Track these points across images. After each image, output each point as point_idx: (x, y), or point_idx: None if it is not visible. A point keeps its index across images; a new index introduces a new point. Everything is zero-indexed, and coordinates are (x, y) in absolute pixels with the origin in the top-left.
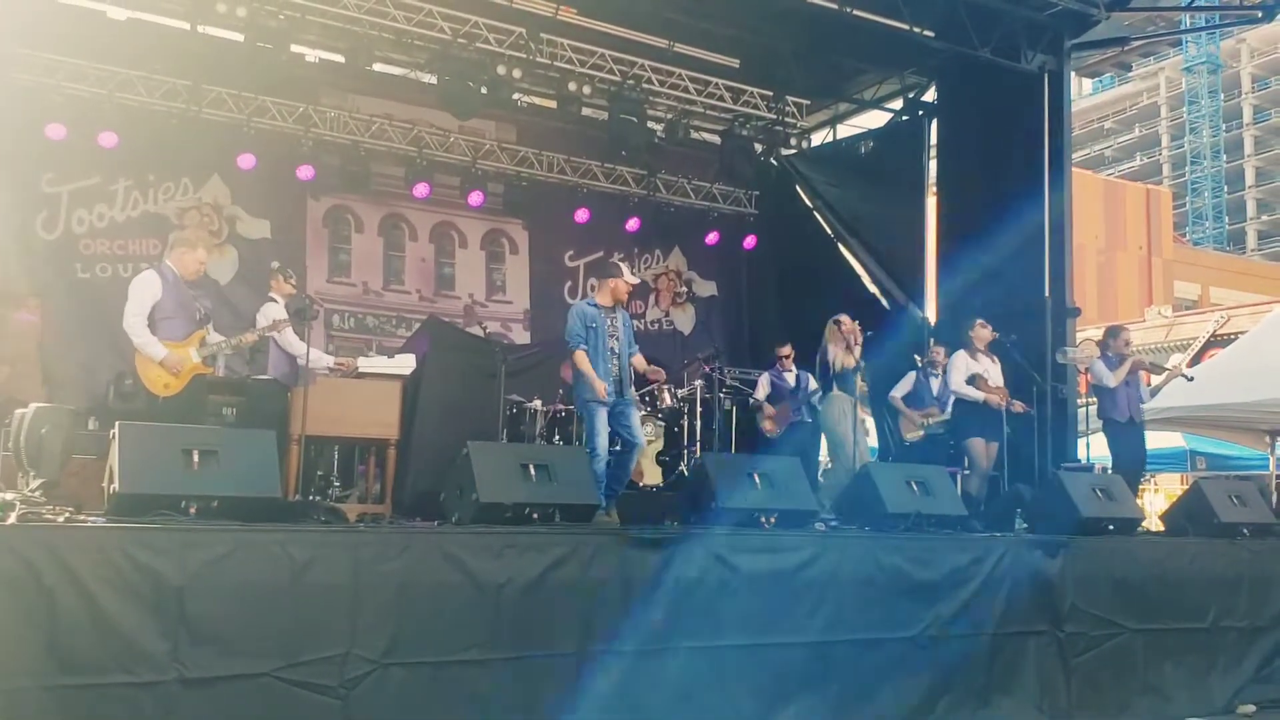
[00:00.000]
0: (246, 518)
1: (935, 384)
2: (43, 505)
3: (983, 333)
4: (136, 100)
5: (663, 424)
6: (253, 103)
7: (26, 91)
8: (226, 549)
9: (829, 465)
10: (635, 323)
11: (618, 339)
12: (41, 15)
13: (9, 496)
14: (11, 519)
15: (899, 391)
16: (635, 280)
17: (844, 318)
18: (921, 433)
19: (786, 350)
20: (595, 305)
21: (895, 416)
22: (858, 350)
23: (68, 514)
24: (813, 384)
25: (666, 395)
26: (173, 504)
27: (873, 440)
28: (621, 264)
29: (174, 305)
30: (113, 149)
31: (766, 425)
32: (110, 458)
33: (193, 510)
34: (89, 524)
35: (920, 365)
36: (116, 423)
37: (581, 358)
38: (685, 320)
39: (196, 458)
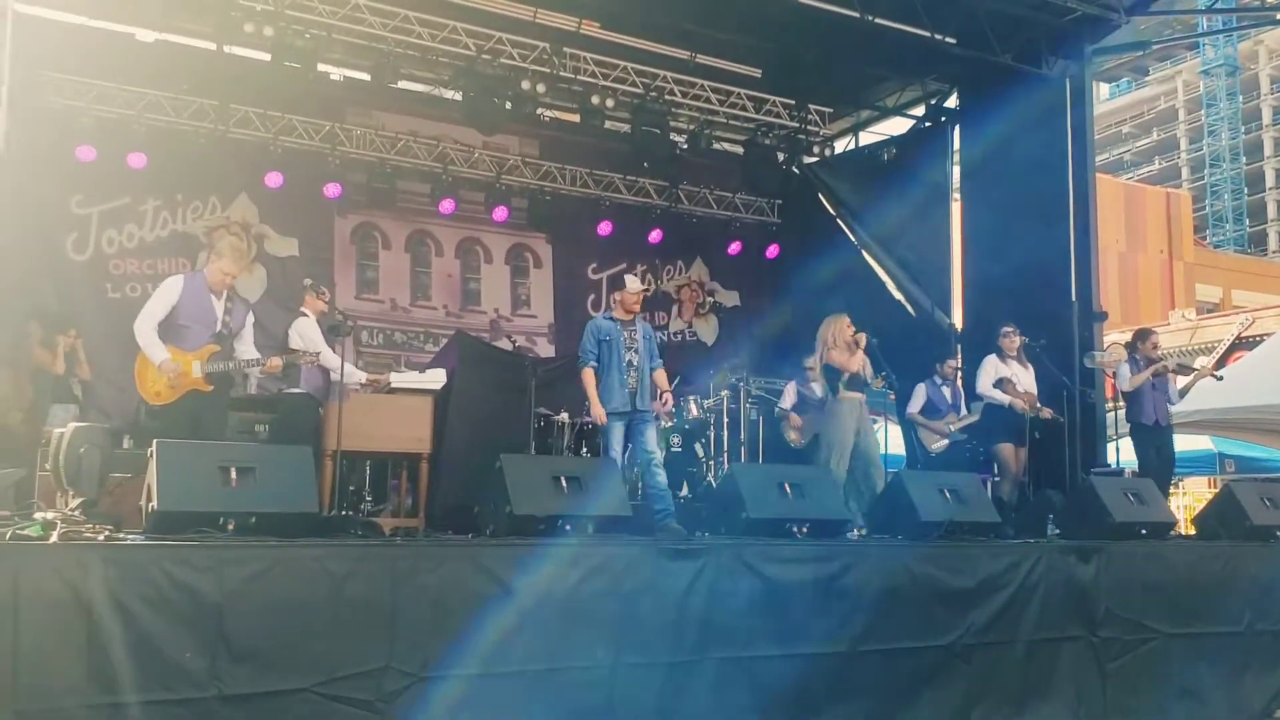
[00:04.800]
0: (284, 533)
1: (948, 392)
2: (83, 524)
3: (1011, 339)
4: (164, 121)
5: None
6: (279, 121)
7: (56, 114)
8: (264, 565)
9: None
10: (658, 334)
11: (636, 351)
12: (71, 39)
13: (49, 516)
14: (53, 538)
15: (914, 406)
16: (638, 288)
17: (840, 320)
18: (946, 442)
19: (813, 360)
20: (611, 319)
21: (917, 429)
22: (859, 357)
23: (107, 532)
24: None
25: (693, 406)
26: (211, 521)
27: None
28: (627, 275)
29: (191, 314)
30: (141, 169)
31: (791, 435)
32: (148, 476)
33: (230, 527)
34: (128, 542)
35: (931, 377)
36: (155, 441)
37: (587, 376)
38: (709, 331)
39: (234, 475)
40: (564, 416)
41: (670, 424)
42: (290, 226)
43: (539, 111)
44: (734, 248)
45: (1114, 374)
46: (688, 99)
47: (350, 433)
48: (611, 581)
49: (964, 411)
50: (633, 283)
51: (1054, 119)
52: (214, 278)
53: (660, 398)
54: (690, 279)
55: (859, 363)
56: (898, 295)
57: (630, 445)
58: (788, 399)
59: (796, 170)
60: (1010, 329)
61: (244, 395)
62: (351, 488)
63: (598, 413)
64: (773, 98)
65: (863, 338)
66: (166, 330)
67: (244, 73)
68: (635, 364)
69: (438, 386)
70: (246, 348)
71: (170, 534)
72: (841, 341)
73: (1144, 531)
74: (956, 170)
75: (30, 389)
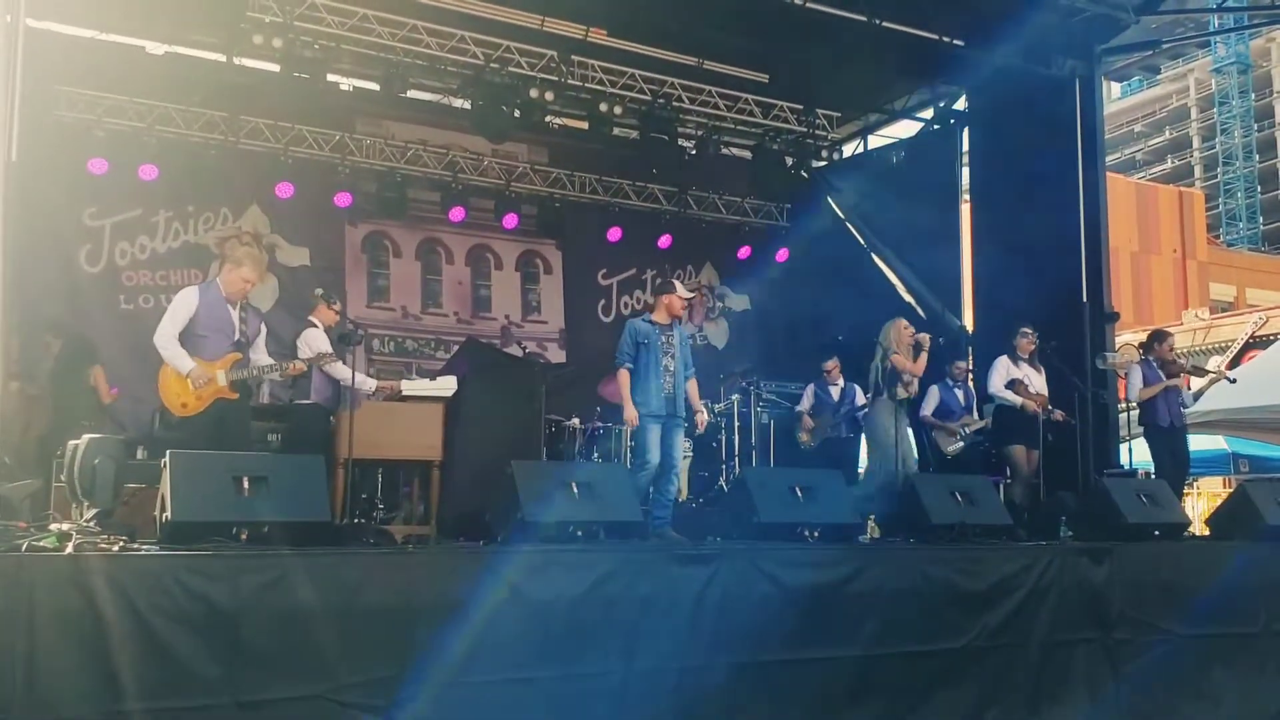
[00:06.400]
0: (297, 542)
1: (960, 394)
2: (98, 535)
3: (1023, 341)
4: (175, 133)
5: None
6: (289, 132)
7: (68, 128)
8: (278, 574)
9: (864, 469)
10: None
11: (673, 356)
12: (82, 53)
13: (65, 527)
14: (68, 549)
15: (927, 409)
16: (689, 295)
17: (901, 323)
18: (961, 444)
19: (832, 364)
20: (650, 322)
21: (931, 431)
22: (923, 360)
23: (122, 543)
24: (860, 399)
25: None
26: (224, 530)
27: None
28: (675, 280)
29: (209, 324)
30: (153, 181)
31: (802, 436)
32: (162, 486)
33: (244, 536)
34: (143, 552)
35: (944, 379)
36: (168, 451)
37: (624, 377)
38: (719, 335)
39: (247, 484)
40: (575, 422)
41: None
42: (301, 236)
43: (548, 119)
44: (743, 252)
45: (1126, 374)
46: (695, 105)
47: (362, 441)
48: (623, 587)
49: (975, 414)
50: (681, 287)
51: (1064, 119)
52: (234, 286)
53: (695, 418)
54: (700, 283)
55: (922, 366)
56: (908, 298)
57: None
58: (805, 401)
59: (805, 174)
60: (1028, 330)
61: (256, 405)
62: (363, 496)
63: (630, 415)
64: (780, 102)
65: (925, 338)
66: (185, 341)
67: (254, 84)
68: (671, 369)
69: (449, 393)
70: (261, 355)
71: (184, 544)
72: (904, 345)
73: (1157, 533)
74: (966, 172)
75: (49, 403)
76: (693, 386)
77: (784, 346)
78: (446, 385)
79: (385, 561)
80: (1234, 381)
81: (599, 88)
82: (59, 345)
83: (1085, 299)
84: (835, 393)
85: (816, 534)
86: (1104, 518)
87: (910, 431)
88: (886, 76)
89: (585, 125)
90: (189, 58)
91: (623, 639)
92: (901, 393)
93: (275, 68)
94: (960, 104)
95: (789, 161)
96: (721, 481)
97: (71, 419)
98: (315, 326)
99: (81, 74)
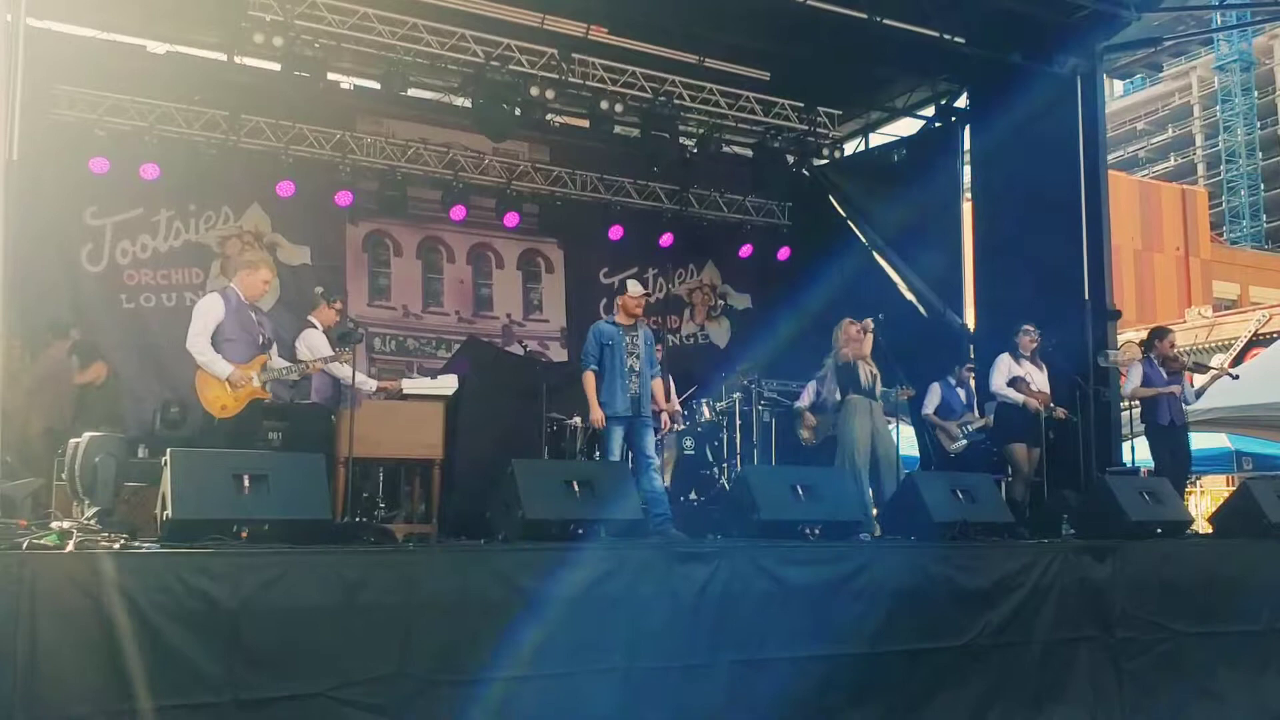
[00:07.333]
0: (297, 540)
1: (962, 393)
2: (99, 533)
3: (1025, 339)
4: (176, 132)
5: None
6: (290, 131)
7: (69, 127)
8: (279, 572)
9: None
10: (671, 337)
11: (638, 357)
12: (83, 52)
13: (66, 525)
14: (69, 547)
15: (929, 407)
16: (640, 292)
17: (844, 322)
18: (964, 442)
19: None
20: (614, 324)
21: (933, 430)
22: (868, 341)
23: (123, 541)
24: None
25: (705, 409)
26: (225, 528)
27: (912, 452)
28: (629, 280)
29: (236, 328)
30: (154, 180)
31: (804, 434)
32: (163, 484)
33: (244, 534)
34: (144, 550)
35: (945, 378)
36: (168, 450)
37: (589, 380)
38: (721, 333)
39: (247, 482)
40: (576, 421)
41: (682, 427)
42: (302, 235)
43: (548, 117)
44: (745, 250)
45: (1128, 372)
46: (696, 103)
47: (362, 440)
48: (625, 585)
49: (977, 412)
50: (634, 286)
51: (1066, 117)
52: (255, 289)
53: (659, 418)
54: (702, 282)
55: (868, 346)
56: (909, 296)
57: (629, 450)
58: (805, 398)
59: (807, 173)
60: (1030, 328)
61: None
62: (364, 494)
63: (596, 416)
64: (781, 100)
65: (869, 323)
66: (216, 347)
67: (255, 83)
68: (637, 369)
69: (450, 392)
70: (276, 357)
71: (185, 542)
72: (852, 341)
73: (1160, 530)
74: (967, 170)
75: (49, 398)
76: (658, 385)
77: (785, 345)
78: (447, 384)
79: (386, 560)
80: (1237, 378)
81: (600, 86)
82: (69, 345)
83: (1087, 297)
84: (838, 393)
85: (817, 532)
86: (1106, 516)
87: (892, 429)
88: (888, 74)
89: (586, 123)
90: (190, 57)
91: (624, 637)
92: (902, 394)
93: (276, 66)
94: (962, 102)
95: (790, 160)
96: (723, 480)
97: (93, 420)
98: (314, 327)
99: (82, 73)
